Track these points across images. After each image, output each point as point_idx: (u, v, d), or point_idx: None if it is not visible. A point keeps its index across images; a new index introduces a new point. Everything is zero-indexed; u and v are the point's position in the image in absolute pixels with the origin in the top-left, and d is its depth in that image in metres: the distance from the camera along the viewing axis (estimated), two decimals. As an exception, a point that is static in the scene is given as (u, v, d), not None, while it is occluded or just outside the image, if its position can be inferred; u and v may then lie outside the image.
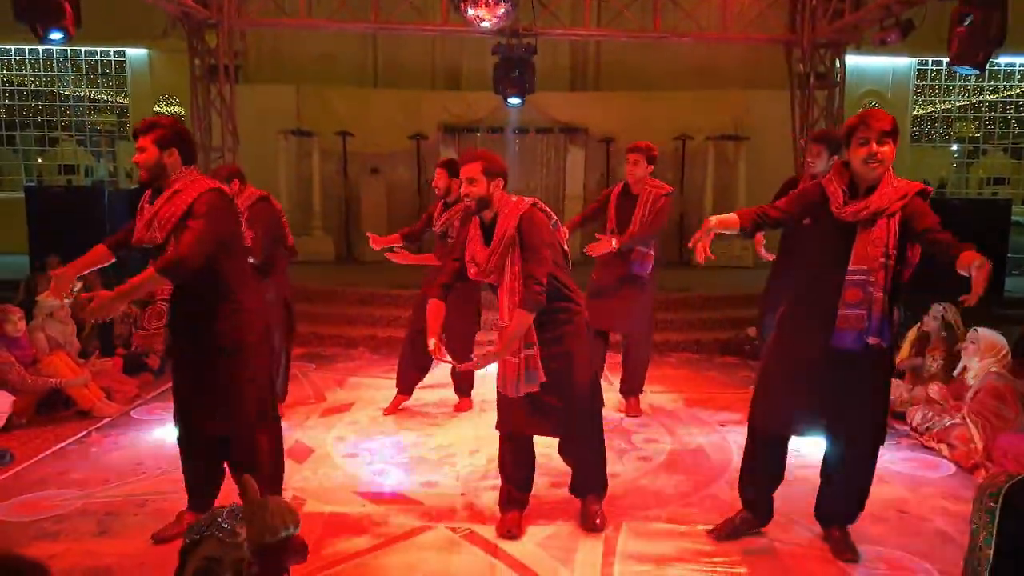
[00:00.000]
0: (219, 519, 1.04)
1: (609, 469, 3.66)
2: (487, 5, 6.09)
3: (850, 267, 2.89)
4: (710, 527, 3.41)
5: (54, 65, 13.17)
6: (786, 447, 3.30)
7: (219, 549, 0.98)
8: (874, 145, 2.85)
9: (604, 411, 3.55)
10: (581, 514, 3.47)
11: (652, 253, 4.86)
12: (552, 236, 3.25)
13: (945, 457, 4.36)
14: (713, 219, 3.00)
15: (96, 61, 13.08)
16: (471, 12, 6.18)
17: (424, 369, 5.17)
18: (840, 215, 2.92)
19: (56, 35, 6.03)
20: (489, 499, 3.69)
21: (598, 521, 3.39)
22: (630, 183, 4.87)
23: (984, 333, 4.69)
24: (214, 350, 3.06)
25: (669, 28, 8.81)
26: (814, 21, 8.44)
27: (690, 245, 3.01)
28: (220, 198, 3.06)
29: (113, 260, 3.26)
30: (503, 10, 6.25)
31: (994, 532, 1.68)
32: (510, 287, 3.13)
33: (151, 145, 3.00)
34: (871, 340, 2.87)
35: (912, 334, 5.11)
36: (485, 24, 6.46)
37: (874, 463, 3.19)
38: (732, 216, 3.02)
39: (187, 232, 2.92)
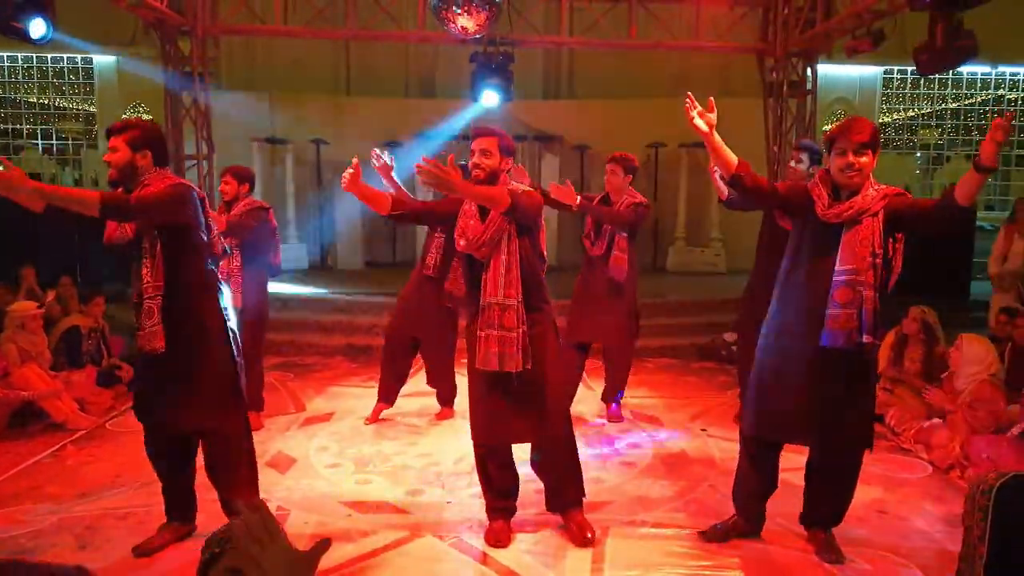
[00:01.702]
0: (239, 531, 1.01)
1: (593, 475, 3.65)
2: (469, 14, 6.10)
3: (838, 267, 2.94)
4: (699, 531, 3.42)
5: (19, 72, 12.90)
6: (779, 453, 3.32)
7: (243, 560, 0.96)
8: (851, 156, 2.91)
9: (587, 417, 3.55)
10: (568, 530, 3.39)
11: (627, 257, 4.89)
12: (539, 218, 3.25)
13: (922, 458, 4.44)
14: (719, 140, 2.93)
15: (63, 68, 12.84)
16: (457, 22, 6.17)
17: (404, 377, 5.16)
18: (825, 216, 2.98)
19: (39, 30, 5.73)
20: (476, 507, 3.68)
21: (590, 535, 3.33)
22: (609, 192, 4.94)
23: (968, 341, 4.62)
24: (173, 348, 3.04)
25: (643, 37, 8.90)
26: (786, 31, 8.57)
27: (691, 103, 2.89)
28: (186, 190, 3.07)
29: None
30: (485, 17, 6.26)
31: (987, 529, 1.72)
32: (506, 261, 3.12)
33: (124, 146, 3.01)
34: (866, 338, 2.91)
35: (891, 338, 5.18)
36: (469, 31, 6.46)
37: (859, 466, 3.23)
38: (734, 156, 2.98)
39: (147, 194, 2.93)
